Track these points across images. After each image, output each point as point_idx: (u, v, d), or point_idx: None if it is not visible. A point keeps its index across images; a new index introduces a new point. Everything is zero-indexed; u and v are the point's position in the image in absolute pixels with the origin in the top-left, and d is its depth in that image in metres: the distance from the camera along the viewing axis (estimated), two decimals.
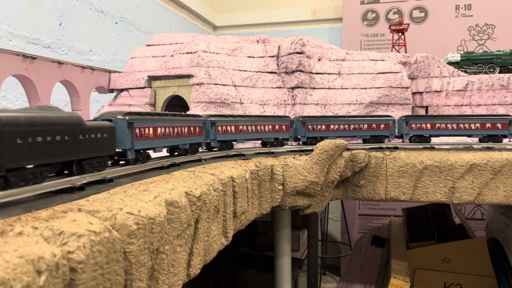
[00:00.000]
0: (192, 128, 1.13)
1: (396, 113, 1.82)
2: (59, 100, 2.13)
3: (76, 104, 1.70)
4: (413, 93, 1.96)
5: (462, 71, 2.06)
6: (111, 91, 1.93)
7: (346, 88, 1.86)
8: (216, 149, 1.26)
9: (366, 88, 1.86)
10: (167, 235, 0.65)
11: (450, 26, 3.43)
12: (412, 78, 1.97)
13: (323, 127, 1.52)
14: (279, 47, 1.90)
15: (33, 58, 1.44)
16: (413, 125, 1.57)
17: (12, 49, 1.40)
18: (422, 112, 1.96)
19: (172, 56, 1.85)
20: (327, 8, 4.02)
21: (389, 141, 1.64)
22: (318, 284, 2.69)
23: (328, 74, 1.89)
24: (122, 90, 1.89)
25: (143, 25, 3.04)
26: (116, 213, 0.56)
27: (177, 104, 1.88)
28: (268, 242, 2.47)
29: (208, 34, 2.07)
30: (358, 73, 1.90)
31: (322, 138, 1.48)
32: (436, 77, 1.94)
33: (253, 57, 1.90)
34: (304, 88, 1.80)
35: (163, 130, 1.00)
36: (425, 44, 3.43)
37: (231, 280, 2.43)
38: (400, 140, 1.67)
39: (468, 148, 1.55)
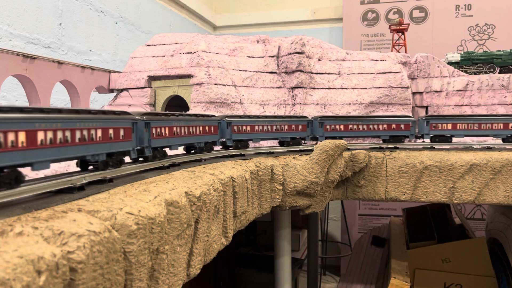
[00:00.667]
0: (112, 131, 0.80)
1: (396, 113, 1.82)
2: (59, 100, 2.13)
3: (76, 104, 1.70)
4: (413, 93, 1.96)
5: (462, 71, 2.06)
6: (111, 91, 1.93)
7: (346, 88, 1.86)
8: (142, 159, 0.97)
9: (366, 88, 1.86)
10: (167, 235, 0.65)
11: (450, 26, 3.43)
12: (412, 78, 1.97)
13: (248, 128, 1.37)
14: (279, 47, 1.90)
15: (33, 58, 1.43)
16: (328, 127, 1.56)
17: (12, 49, 1.39)
18: (422, 112, 1.96)
19: (172, 56, 1.85)
20: (327, 8, 4.02)
21: (305, 143, 1.58)
22: (318, 284, 2.68)
23: (328, 74, 1.89)
24: (122, 90, 1.89)
25: (143, 25, 3.04)
26: (116, 213, 0.56)
27: (177, 104, 1.88)
28: (268, 242, 2.47)
29: (208, 34, 2.07)
30: (358, 73, 1.90)
31: (246, 141, 1.38)
32: (436, 77, 1.94)
33: (253, 57, 1.90)
34: (304, 88, 1.80)
35: (50, 134, 0.64)
36: (425, 44, 3.43)
37: (231, 280, 2.43)
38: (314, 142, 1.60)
39: (468, 148, 1.55)
